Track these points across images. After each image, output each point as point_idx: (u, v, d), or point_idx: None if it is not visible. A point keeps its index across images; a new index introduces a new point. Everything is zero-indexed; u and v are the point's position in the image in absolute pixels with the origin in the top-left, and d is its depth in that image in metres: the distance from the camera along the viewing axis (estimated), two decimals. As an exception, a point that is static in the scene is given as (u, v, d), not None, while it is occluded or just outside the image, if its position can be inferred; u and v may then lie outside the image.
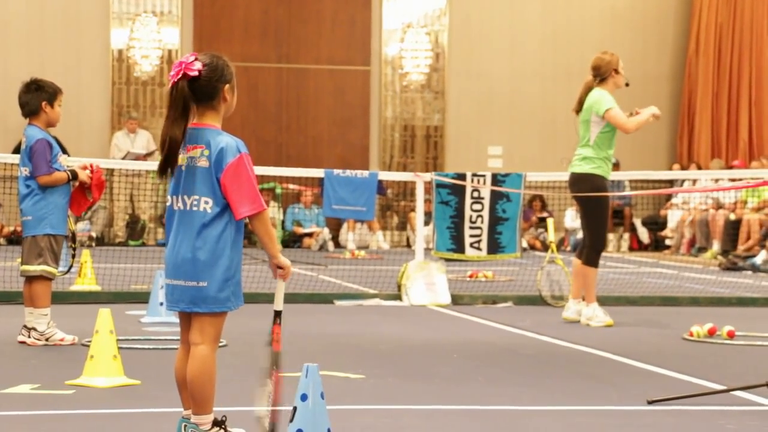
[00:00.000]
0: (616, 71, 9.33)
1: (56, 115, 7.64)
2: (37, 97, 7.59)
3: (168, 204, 4.57)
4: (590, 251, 9.24)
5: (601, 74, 9.32)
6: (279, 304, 4.63)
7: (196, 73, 4.45)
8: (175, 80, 4.44)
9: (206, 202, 4.46)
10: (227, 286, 4.48)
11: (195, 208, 4.47)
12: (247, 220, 4.52)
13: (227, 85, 4.52)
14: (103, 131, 20.56)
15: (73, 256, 7.72)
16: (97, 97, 20.53)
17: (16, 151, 12.64)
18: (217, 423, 4.51)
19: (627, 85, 9.43)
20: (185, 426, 4.51)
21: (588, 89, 9.34)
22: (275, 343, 4.54)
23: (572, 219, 19.49)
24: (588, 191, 9.17)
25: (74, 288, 10.82)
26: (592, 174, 9.21)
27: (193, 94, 4.46)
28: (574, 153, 9.44)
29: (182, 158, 4.51)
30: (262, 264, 12.59)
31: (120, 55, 20.67)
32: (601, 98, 9.23)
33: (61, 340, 7.56)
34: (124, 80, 20.69)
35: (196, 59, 4.47)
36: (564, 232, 20.12)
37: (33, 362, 6.93)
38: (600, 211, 9.30)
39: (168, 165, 4.47)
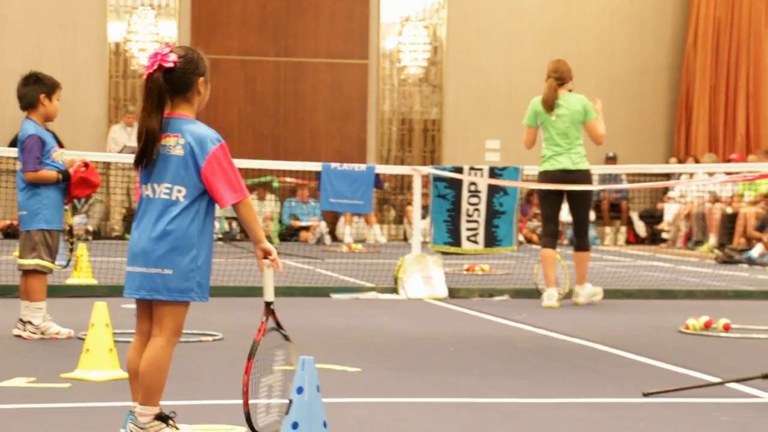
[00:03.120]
0: (571, 77, 10.31)
1: (54, 109, 7.63)
2: (35, 89, 7.58)
3: (140, 194, 4.57)
4: (588, 237, 10.37)
5: (563, 78, 10.21)
6: (269, 294, 4.63)
7: (171, 65, 4.45)
8: (151, 71, 4.45)
9: (179, 191, 4.46)
10: (191, 277, 4.45)
11: (165, 196, 4.46)
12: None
13: (201, 78, 4.53)
14: (100, 124, 20.56)
15: (71, 250, 7.71)
16: (94, 91, 20.52)
17: (13, 144, 12.63)
18: (160, 417, 4.48)
19: (570, 90, 10.31)
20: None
21: (555, 90, 10.17)
22: (258, 333, 4.55)
23: (567, 213, 19.51)
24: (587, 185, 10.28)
25: (70, 281, 10.83)
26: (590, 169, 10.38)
27: (168, 85, 4.46)
28: (566, 150, 10.14)
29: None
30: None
31: (117, 48, 20.66)
32: (590, 104, 10.22)
33: (57, 333, 7.56)
34: (121, 73, 20.68)
35: (171, 51, 4.49)
36: (560, 226, 20.11)
37: (28, 356, 6.93)
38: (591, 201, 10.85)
39: (145, 156, 4.47)
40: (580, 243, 10.25)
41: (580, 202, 10.22)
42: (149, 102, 4.45)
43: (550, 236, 10.26)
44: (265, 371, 4.64)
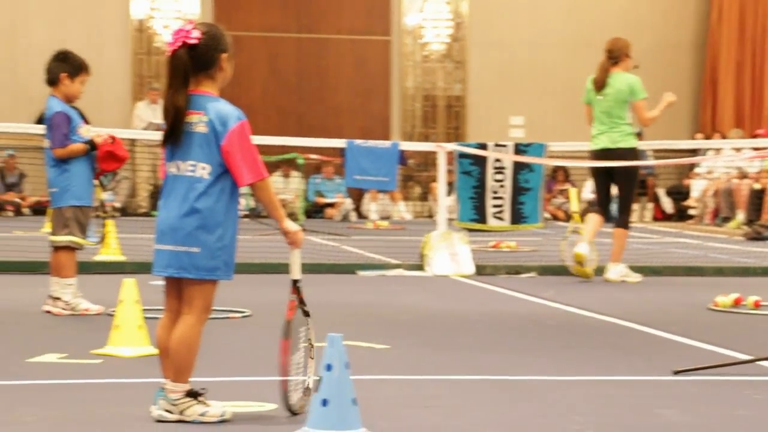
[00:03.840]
0: (627, 55, 10.21)
1: (75, 90, 7.60)
2: (59, 67, 7.59)
3: (165, 171, 4.57)
4: (629, 216, 10.38)
5: (616, 57, 10.17)
6: (295, 272, 4.63)
7: (195, 41, 4.45)
8: (175, 48, 4.45)
9: (203, 168, 4.47)
10: (218, 255, 4.47)
11: (190, 174, 4.47)
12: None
13: (224, 55, 4.53)
14: (125, 102, 20.58)
15: (104, 225, 7.72)
16: (119, 68, 20.54)
17: (39, 121, 12.65)
18: (190, 394, 4.49)
19: (636, 67, 10.30)
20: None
21: (606, 70, 10.17)
22: (289, 312, 4.55)
23: (591, 190, 19.45)
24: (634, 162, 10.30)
25: (99, 258, 10.85)
26: (636, 147, 10.37)
27: (192, 62, 4.46)
28: (609, 129, 10.18)
29: None
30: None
31: (140, 25, 20.66)
32: (639, 84, 10.21)
33: (87, 310, 7.59)
34: (145, 50, 20.68)
35: (194, 28, 4.48)
36: (587, 203, 20.04)
37: (59, 331, 6.97)
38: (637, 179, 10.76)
39: (174, 134, 4.48)
40: (620, 220, 10.31)
41: (622, 180, 10.27)
42: (175, 79, 4.46)
43: (599, 206, 10.44)
44: (294, 349, 4.65)
